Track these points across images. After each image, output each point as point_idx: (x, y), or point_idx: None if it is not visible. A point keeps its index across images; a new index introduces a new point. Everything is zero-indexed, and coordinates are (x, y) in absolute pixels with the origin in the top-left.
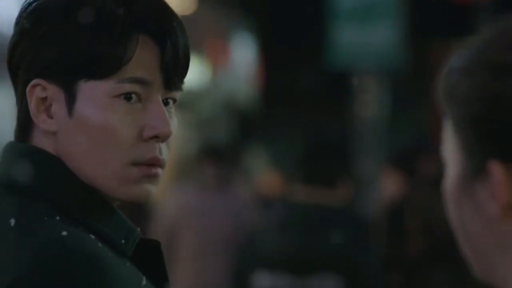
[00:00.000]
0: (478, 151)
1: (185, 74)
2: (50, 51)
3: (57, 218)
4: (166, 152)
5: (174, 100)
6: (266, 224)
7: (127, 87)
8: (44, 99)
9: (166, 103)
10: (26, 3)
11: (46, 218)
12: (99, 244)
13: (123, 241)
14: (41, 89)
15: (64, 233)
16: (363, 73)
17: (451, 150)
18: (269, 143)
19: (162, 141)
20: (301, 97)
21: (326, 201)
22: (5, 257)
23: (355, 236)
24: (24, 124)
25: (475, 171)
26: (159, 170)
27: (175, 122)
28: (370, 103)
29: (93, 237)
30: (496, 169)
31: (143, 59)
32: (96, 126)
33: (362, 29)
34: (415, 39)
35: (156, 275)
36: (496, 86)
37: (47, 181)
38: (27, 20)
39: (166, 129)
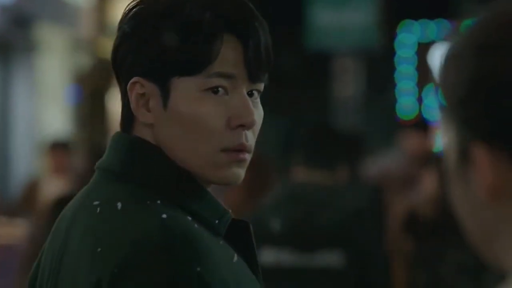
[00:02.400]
0: (463, 133)
1: (267, 68)
2: (147, 52)
3: (158, 201)
4: (252, 138)
5: (259, 92)
6: (269, 202)
7: (215, 81)
8: (143, 95)
9: (251, 95)
10: (127, 9)
11: (148, 202)
12: (195, 225)
13: (216, 221)
14: (140, 86)
15: (164, 215)
16: (340, 54)
17: (445, 134)
18: None
19: (248, 129)
20: (279, 79)
21: (326, 182)
22: (113, 237)
23: (355, 212)
24: (127, 117)
25: (463, 154)
26: (246, 155)
27: (260, 112)
28: (348, 83)
29: (190, 218)
30: (479, 151)
31: (228, 56)
32: (188, 117)
33: (339, 11)
34: (391, 20)
35: (246, 253)
36: (479, 67)
37: (149, 168)
38: (128, 25)
39: (251, 118)
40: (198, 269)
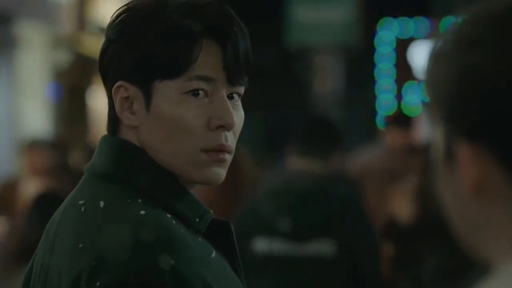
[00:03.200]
0: (447, 130)
1: (246, 71)
2: (130, 57)
3: (139, 200)
4: (233, 139)
5: (239, 95)
6: (263, 192)
7: (195, 84)
8: (127, 98)
9: (231, 97)
10: (113, 16)
11: (129, 201)
12: (173, 222)
13: (197, 219)
14: (124, 90)
15: (143, 212)
16: (320, 50)
17: (432, 131)
18: None
19: (228, 130)
20: (259, 75)
21: (320, 171)
22: (94, 233)
23: (348, 203)
24: (113, 120)
25: (447, 150)
26: (227, 155)
27: (240, 114)
28: (327, 79)
29: (169, 215)
30: (463, 148)
31: (208, 60)
32: (169, 119)
33: (319, 8)
34: (370, 17)
35: (229, 252)
36: (461, 64)
37: (132, 169)
38: (113, 31)
39: (230, 120)
40: (173, 262)
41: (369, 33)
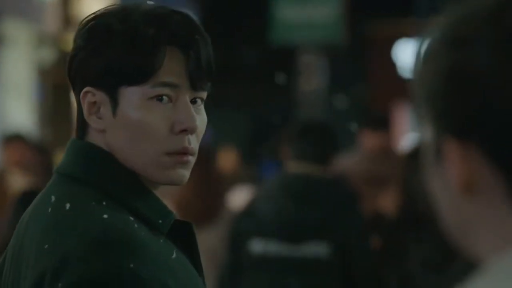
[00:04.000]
0: (436, 128)
1: (208, 77)
2: (97, 64)
3: (104, 203)
4: (195, 142)
5: (202, 99)
6: (260, 194)
7: (159, 90)
8: (94, 103)
9: (194, 102)
10: (82, 24)
11: (93, 203)
12: (135, 225)
13: (160, 221)
14: (91, 95)
15: (105, 215)
16: (305, 49)
17: (421, 129)
18: (214, 120)
19: (191, 134)
20: (244, 74)
21: (316, 174)
22: (58, 234)
23: (342, 205)
24: (81, 123)
25: (436, 148)
26: (190, 158)
27: (203, 118)
28: (312, 77)
29: (132, 218)
30: (451, 146)
31: (172, 67)
32: (135, 123)
33: (304, 6)
34: (355, 16)
35: (189, 251)
36: (448, 62)
37: (98, 172)
38: (81, 39)
39: (193, 124)
40: (132, 265)
41: (354, 32)
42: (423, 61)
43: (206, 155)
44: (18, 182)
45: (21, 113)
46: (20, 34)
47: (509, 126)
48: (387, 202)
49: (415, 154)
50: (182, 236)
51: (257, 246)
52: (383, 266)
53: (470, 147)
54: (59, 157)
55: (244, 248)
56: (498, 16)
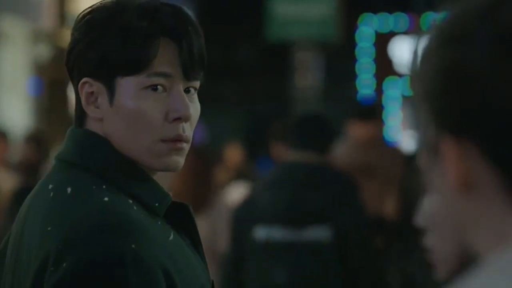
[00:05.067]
0: (433, 126)
1: (201, 67)
2: (94, 55)
3: (103, 186)
4: (189, 130)
5: (195, 89)
6: (262, 182)
7: (154, 80)
8: (92, 93)
9: (187, 91)
10: (79, 17)
11: (94, 187)
12: (134, 207)
13: (157, 204)
14: (89, 86)
15: (106, 198)
16: (300, 46)
17: (418, 126)
18: (210, 117)
19: (185, 122)
20: (239, 70)
21: (316, 162)
22: (61, 217)
23: (343, 190)
24: (80, 113)
25: (433, 146)
26: (184, 145)
27: (196, 106)
28: (307, 74)
29: (130, 201)
30: (448, 144)
31: (165, 57)
32: (131, 112)
33: (299, 3)
34: (350, 12)
35: (188, 233)
36: (446, 59)
37: (97, 158)
38: (78, 32)
39: (186, 112)
40: (133, 246)
41: (349, 28)
42: (420, 59)
43: (197, 146)
44: (5, 180)
45: (17, 109)
46: (16, 31)
47: (507, 124)
48: (389, 203)
49: (414, 156)
50: (179, 218)
51: (261, 233)
52: (385, 267)
53: (468, 145)
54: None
55: (247, 235)
56: (494, 13)
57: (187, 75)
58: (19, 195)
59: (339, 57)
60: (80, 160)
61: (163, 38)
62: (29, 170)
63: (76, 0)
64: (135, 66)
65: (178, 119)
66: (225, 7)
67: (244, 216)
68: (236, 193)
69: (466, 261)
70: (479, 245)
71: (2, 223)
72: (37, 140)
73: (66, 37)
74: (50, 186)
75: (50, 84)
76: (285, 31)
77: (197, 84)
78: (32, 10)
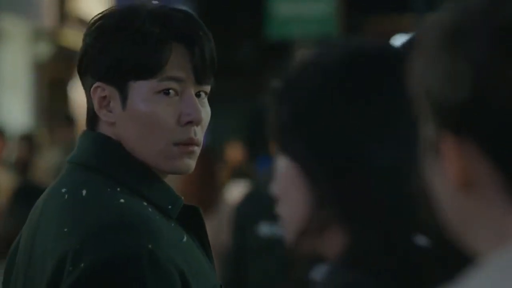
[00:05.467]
0: (432, 124)
1: (212, 72)
2: (106, 60)
3: (118, 189)
4: (200, 133)
5: (206, 93)
6: (265, 178)
7: (166, 84)
8: (104, 97)
9: (198, 95)
10: (90, 23)
11: (109, 190)
12: (149, 209)
13: (169, 206)
14: (101, 90)
15: (122, 200)
16: (300, 44)
17: (419, 124)
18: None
19: (196, 125)
20: (239, 68)
21: None
22: (77, 218)
23: None
24: (92, 117)
25: (433, 144)
26: (195, 148)
27: (207, 110)
28: None
29: (145, 203)
30: (448, 142)
31: (177, 62)
32: (144, 116)
33: (299, 1)
34: (351, 11)
35: (198, 234)
36: (445, 56)
37: (110, 161)
38: (90, 37)
39: (198, 116)
40: (150, 246)
41: (350, 27)
42: (419, 57)
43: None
44: (3, 179)
45: (17, 108)
46: (17, 29)
47: (505, 122)
48: None
49: None
50: (189, 220)
51: (264, 229)
52: None
53: (468, 144)
54: (55, 151)
55: (250, 231)
56: (494, 10)
57: (199, 80)
58: (18, 195)
59: None
60: (94, 163)
61: (174, 43)
62: (23, 168)
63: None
64: (147, 71)
65: (190, 123)
66: (225, 6)
67: (248, 212)
68: (236, 192)
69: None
70: (479, 243)
71: (2, 222)
72: (28, 139)
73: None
74: (64, 190)
75: (50, 83)
76: (285, 30)
77: (207, 88)
78: (32, 9)
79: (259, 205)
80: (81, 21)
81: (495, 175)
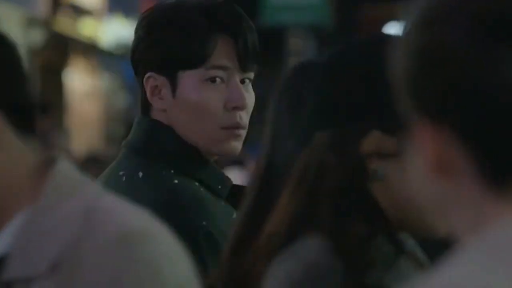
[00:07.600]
0: (410, 109)
1: (255, 60)
2: (157, 52)
3: (172, 171)
4: (246, 117)
5: (250, 79)
6: None
7: (213, 73)
8: (156, 86)
9: (243, 82)
10: (140, 18)
11: (163, 172)
12: (201, 189)
13: (219, 186)
14: (153, 80)
15: (176, 181)
16: (294, 31)
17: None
18: None
19: (241, 110)
20: None
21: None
22: (135, 198)
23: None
24: (145, 104)
25: (410, 129)
26: (242, 131)
27: (252, 95)
28: (301, 59)
29: (197, 184)
30: (422, 127)
31: (223, 52)
32: (193, 103)
33: None
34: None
35: None
36: (420, 42)
37: (163, 145)
38: (141, 31)
39: (243, 101)
40: (204, 223)
41: (343, 14)
42: (399, 43)
43: None
44: None
45: None
46: (10, 16)
47: (478, 108)
48: None
49: None
50: (237, 198)
51: None
52: None
53: (443, 128)
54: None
55: None
56: None
57: (243, 67)
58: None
59: (332, 43)
60: (148, 147)
61: (220, 34)
62: None
63: None
64: (196, 61)
65: (236, 108)
66: None
67: None
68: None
69: None
70: (455, 228)
71: None
72: None
73: (60, 23)
74: (121, 172)
75: (43, 70)
76: (279, 17)
77: (251, 75)
78: None
79: None
80: (74, 8)
81: (471, 161)
